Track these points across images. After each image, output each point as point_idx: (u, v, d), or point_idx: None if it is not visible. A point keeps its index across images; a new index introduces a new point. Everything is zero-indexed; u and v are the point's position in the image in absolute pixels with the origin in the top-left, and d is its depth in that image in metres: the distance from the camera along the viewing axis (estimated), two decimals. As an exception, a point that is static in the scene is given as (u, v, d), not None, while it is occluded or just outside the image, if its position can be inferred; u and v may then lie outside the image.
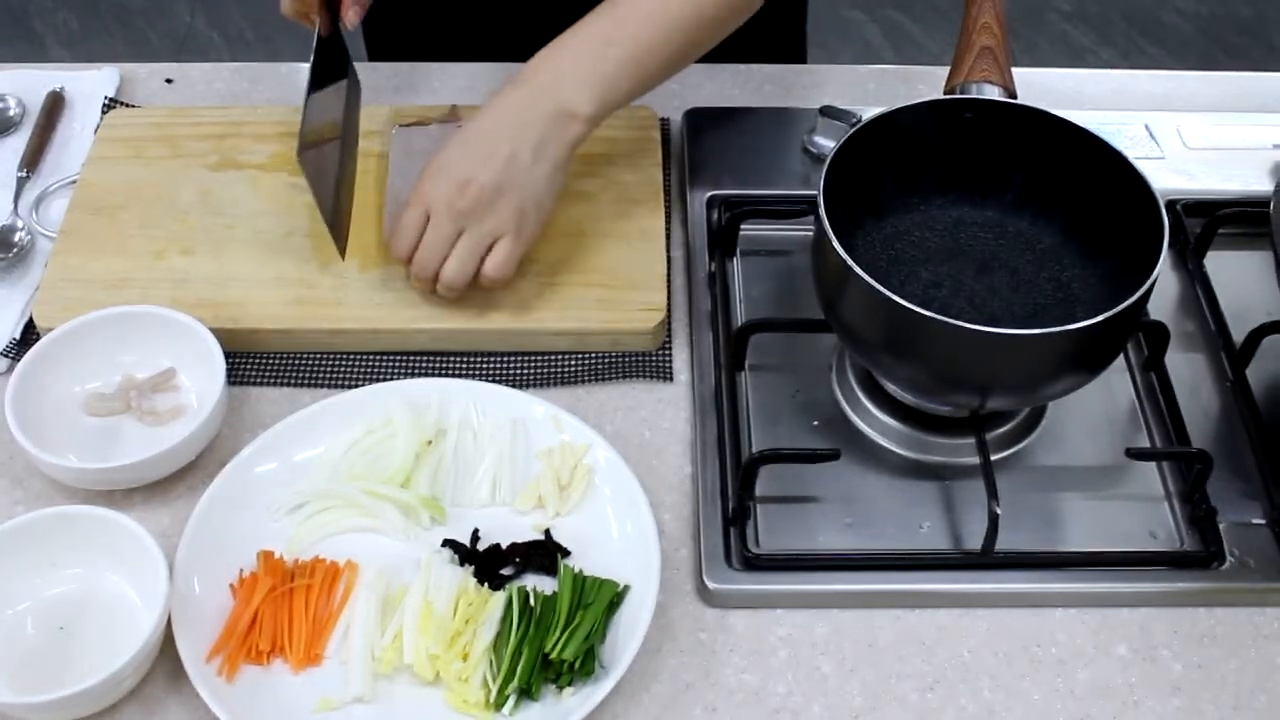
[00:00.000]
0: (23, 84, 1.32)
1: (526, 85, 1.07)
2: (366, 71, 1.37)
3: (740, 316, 1.13)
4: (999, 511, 0.96)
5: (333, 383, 1.09)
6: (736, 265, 1.18)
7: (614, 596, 0.93)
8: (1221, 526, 0.99)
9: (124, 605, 0.93)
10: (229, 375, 1.04)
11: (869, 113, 1.06)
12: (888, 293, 0.92)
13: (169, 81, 1.34)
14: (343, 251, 1.12)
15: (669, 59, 1.10)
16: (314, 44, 1.14)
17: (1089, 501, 1.03)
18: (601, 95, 1.06)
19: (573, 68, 1.07)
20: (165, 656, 0.91)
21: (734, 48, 1.19)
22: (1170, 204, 1.17)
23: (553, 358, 1.11)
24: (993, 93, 1.05)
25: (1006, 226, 1.09)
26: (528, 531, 0.99)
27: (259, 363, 1.10)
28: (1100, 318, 0.91)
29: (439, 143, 1.10)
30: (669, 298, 1.13)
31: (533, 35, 1.15)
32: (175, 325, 1.06)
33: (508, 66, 1.30)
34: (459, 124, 1.18)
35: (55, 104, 1.30)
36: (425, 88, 1.33)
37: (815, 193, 0.98)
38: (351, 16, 1.11)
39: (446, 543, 0.98)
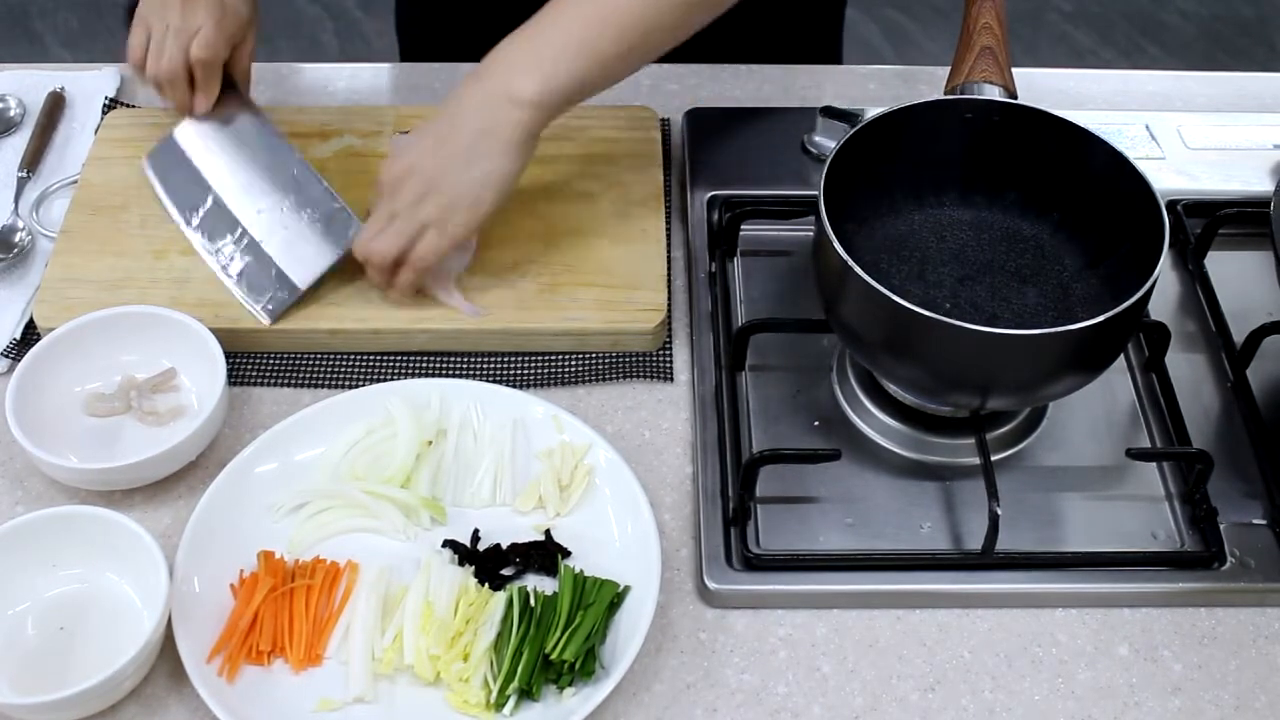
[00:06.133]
0: (23, 84, 1.32)
1: (477, 77, 1.07)
2: (375, 73, 1.37)
3: (740, 317, 1.13)
4: (999, 512, 0.96)
5: (333, 383, 1.09)
6: (737, 265, 1.18)
7: (614, 597, 0.93)
8: (1222, 527, 0.99)
9: (124, 605, 0.93)
10: (229, 375, 1.04)
11: (869, 113, 1.06)
12: (888, 293, 0.92)
13: (169, 82, 1.34)
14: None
15: (620, 41, 1.06)
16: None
17: (1090, 502, 1.03)
18: (546, 78, 1.04)
19: (518, 55, 1.06)
20: (166, 657, 0.91)
21: (770, 46, 1.18)
22: (1171, 204, 1.17)
23: (553, 358, 1.11)
24: (993, 93, 1.05)
25: (1007, 226, 1.09)
26: (528, 532, 0.99)
27: (259, 363, 1.10)
28: (1101, 318, 0.91)
29: None
30: (669, 298, 1.13)
31: None
32: (176, 325, 1.06)
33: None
34: None
35: (56, 104, 1.30)
36: (426, 89, 1.33)
37: (815, 193, 0.98)
38: (200, 103, 1.16)
39: (447, 543, 0.98)
